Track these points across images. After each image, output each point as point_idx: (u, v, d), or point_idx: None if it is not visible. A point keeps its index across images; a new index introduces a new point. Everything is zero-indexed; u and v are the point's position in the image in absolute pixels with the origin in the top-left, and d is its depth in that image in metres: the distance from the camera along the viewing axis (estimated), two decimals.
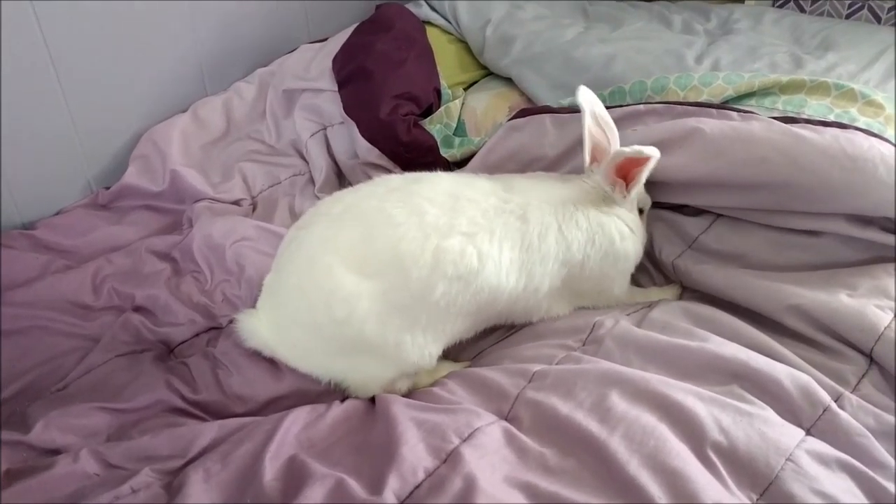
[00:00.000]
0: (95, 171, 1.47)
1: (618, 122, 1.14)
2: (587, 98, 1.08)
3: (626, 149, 1.01)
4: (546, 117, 1.27)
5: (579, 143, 1.13)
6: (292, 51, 1.69)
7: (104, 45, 1.39)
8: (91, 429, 0.92)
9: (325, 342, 0.95)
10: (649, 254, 1.20)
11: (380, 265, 0.92)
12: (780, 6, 1.83)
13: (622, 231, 1.07)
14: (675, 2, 1.86)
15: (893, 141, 1.10)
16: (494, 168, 1.27)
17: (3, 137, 1.28)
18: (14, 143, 1.30)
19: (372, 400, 0.96)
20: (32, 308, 1.13)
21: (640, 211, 1.15)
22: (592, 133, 1.09)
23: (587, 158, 1.10)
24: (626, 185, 1.06)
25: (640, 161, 1.02)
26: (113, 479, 0.84)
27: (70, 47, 1.33)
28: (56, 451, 0.89)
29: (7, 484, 0.82)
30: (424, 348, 0.96)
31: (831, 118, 1.23)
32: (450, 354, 1.10)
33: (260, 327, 1.00)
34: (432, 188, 0.99)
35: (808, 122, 1.12)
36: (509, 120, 1.32)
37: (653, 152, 1.00)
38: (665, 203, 1.20)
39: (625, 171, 1.06)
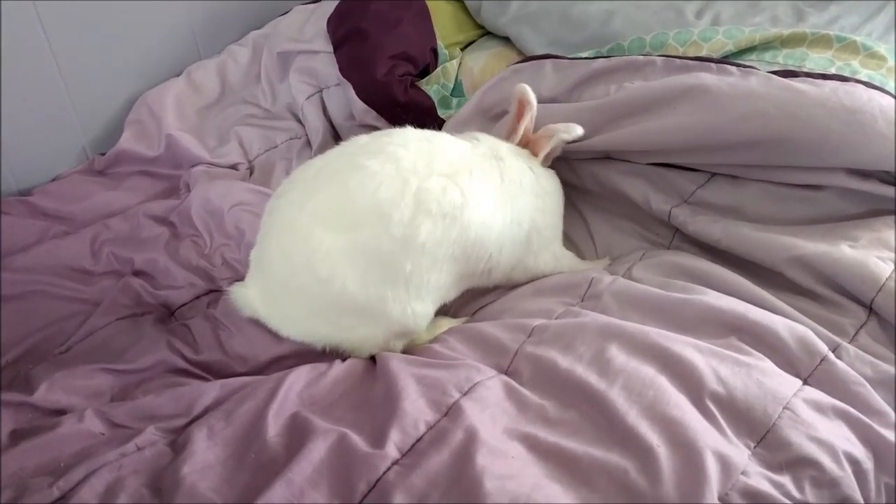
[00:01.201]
0: (90, 137, 1.46)
1: (614, 72, 1.13)
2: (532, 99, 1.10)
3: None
4: (547, 62, 1.27)
5: (575, 87, 1.16)
6: (286, 13, 1.67)
7: (96, 10, 1.37)
8: (95, 389, 0.93)
9: (313, 306, 0.95)
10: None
11: (359, 216, 0.90)
12: None
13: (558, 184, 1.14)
14: None
15: (894, 93, 1.09)
16: (488, 110, 1.28)
17: None
18: (8, 111, 1.29)
19: (373, 358, 0.97)
20: (32, 273, 1.13)
21: None
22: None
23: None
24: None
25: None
26: (118, 438, 0.84)
27: (62, 13, 1.31)
28: (61, 412, 0.90)
29: (13, 443, 0.83)
30: (407, 304, 0.94)
31: (832, 71, 1.21)
32: (448, 311, 1.10)
33: (252, 299, 0.99)
34: (403, 137, 0.99)
35: (808, 75, 1.11)
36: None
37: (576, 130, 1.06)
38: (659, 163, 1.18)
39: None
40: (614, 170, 1.19)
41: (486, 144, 1.05)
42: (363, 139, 1.01)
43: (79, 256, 1.19)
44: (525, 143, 1.12)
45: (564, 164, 1.22)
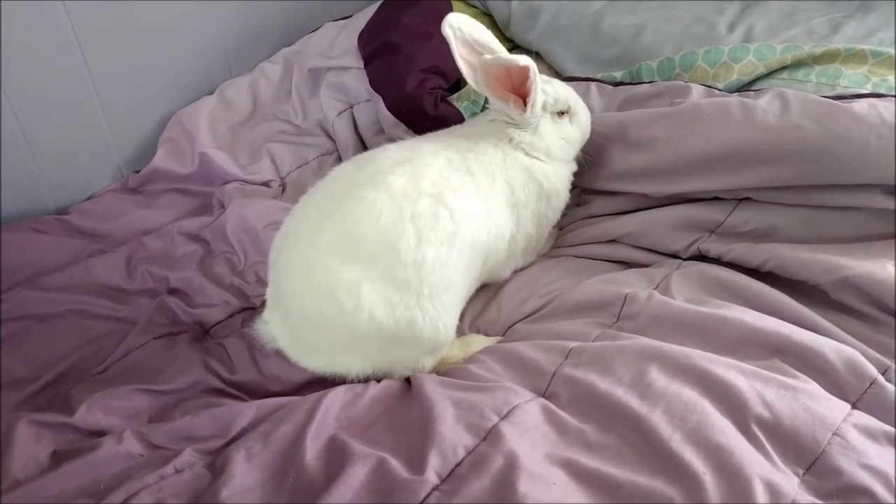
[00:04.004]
0: (125, 155, 1.48)
1: (657, 97, 1.12)
2: (454, 24, 1.07)
3: (490, 57, 1.03)
4: (592, 84, 1.29)
5: (619, 109, 1.13)
6: (316, 29, 1.68)
7: (131, 29, 1.39)
8: (133, 410, 0.93)
9: (341, 338, 0.95)
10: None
11: (370, 248, 0.93)
12: None
13: (543, 170, 1.11)
14: None
15: None
16: None
17: (35, 124, 1.29)
18: (45, 130, 1.31)
19: (408, 379, 0.96)
20: (69, 292, 1.14)
21: (562, 113, 1.14)
22: (466, 59, 1.09)
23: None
24: (524, 102, 1.08)
25: (522, 73, 1.03)
26: (157, 460, 0.85)
27: (98, 33, 1.33)
28: (100, 433, 0.90)
29: (55, 465, 0.84)
30: (438, 320, 0.96)
31: (868, 87, 1.19)
32: (480, 329, 1.10)
33: (276, 334, 1.00)
34: (386, 161, 1.00)
35: (839, 98, 1.09)
36: None
37: (526, 62, 1.01)
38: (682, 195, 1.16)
39: (515, 87, 1.07)
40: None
41: (458, 158, 1.04)
42: (348, 168, 1.04)
43: (115, 275, 1.20)
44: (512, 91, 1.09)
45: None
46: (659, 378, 0.83)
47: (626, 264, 1.19)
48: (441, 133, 1.16)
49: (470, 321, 1.12)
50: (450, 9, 1.57)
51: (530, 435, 0.79)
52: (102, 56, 1.36)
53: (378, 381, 0.96)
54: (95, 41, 1.34)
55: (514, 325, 1.09)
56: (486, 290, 1.16)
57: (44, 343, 1.02)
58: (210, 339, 1.11)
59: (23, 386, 0.96)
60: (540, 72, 1.52)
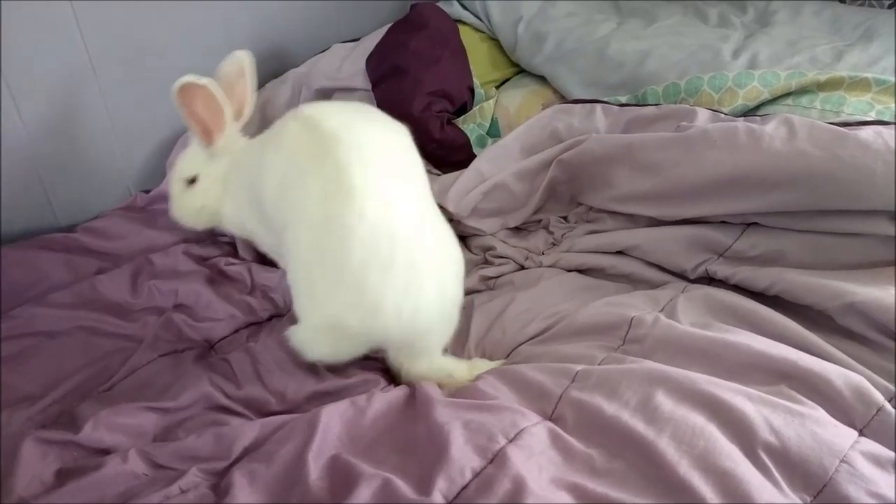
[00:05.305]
0: (133, 174, 1.49)
1: (663, 119, 1.13)
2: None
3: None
4: (597, 106, 1.30)
5: (625, 131, 1.15)
6: (324, 50, 1.70)
7: (143, 49, 1.41)
8: (138, 429, 0.93)
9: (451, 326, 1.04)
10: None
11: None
12: None
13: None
14: None
15: None
16: (533, 146, 1.30)
17: (44, 143, 1.31)
18: (54, 149, 1.33)
19: (411, 394, 0.96)
20: (76, 309, 1.14)
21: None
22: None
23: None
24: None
25: (206, 97, 1.12)
26: (161, 479, 0.85)
27: (109, 52, 1.35)
28: (105, 451, 0.90)
29: (60, 483, 0.84)
30: None
31: (872, 114, 1.21)
32: (485, 351, 1.10)
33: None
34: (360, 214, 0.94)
35: (845, 124, 1.10)
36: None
37: (205, 81, 1.08)
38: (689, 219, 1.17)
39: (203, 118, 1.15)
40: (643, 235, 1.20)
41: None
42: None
43: (121, 292, 1.20)
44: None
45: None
46: (665, 402, 0.83)
47: (632, 280, 1.19)
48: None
49: (475, 342, 1.12)
50: (457, 34, 1.60)
51: (537, 458, 0.79)
52: (114, 76, 1.37)
53: (390, 385, 0.96)
54: (108, 61, 1.35)
55: (518, 346, 1.10)
56: (490, 312, 1.16)
57: (52, 360, 1.02)
58: (215, 355, 1.11)
59: (30, 402, 0.96)
60: (546, 96, 1.56)
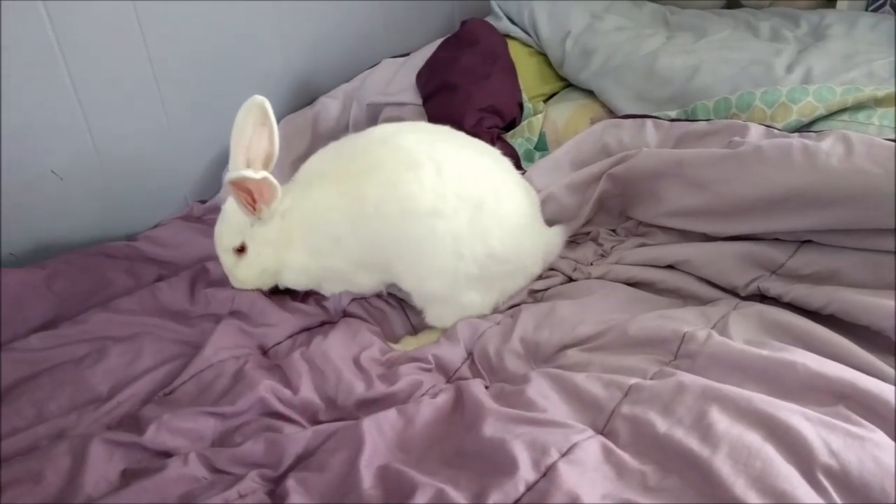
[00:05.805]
0: (190, 185, 1.54)
1: (715, 134, 1.13)
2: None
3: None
4: (647, 121, 1.30)
5: (676, 146, 1.13)
6: (375, 65, 1.73)
7: (204, 63, 1.46)
8: (198, 433, 0.96)
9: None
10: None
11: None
12: (875, 9, 1.77)
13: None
14: (762, 8, 1.82)
15: None
16: (583, 161, 1.30)
17: (110, 154, 1.36)
18: (118, 159, 1.38)
19: (459, 399, 0.97)
20: (138, 315, 1.19)
21: None
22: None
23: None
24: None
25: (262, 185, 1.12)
26: (220, 483, 0.87)
27: (172, 66, 1.41)
28: (166, 454, 0.93)
29: (125, 483, 0.87)
30: None
31: None
32: (529, 346, 1.10)
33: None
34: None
35: None
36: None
37: (262, 175, 1.09)
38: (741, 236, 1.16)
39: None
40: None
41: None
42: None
43: (179, 299, 1.24)
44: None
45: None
46: (720, 420, 0.82)
47: (681, 295, 1.18)
48: None
49: (519, 338, 1.12)
50: (506, 49, 1.62)
51: (590, 474, 0.79)
52: (174, 89, 1.43)
53: (434, 396, 0.98)
54: (170, 75, 1.41)
55: (566, 348, 1.09)
56: (539, 311, 1.16)
57: (117, 363, 1.06)
58: (269, 360, 1.14)
59: (97, 404, 0.99)
60: (595, 110, 1.56)
